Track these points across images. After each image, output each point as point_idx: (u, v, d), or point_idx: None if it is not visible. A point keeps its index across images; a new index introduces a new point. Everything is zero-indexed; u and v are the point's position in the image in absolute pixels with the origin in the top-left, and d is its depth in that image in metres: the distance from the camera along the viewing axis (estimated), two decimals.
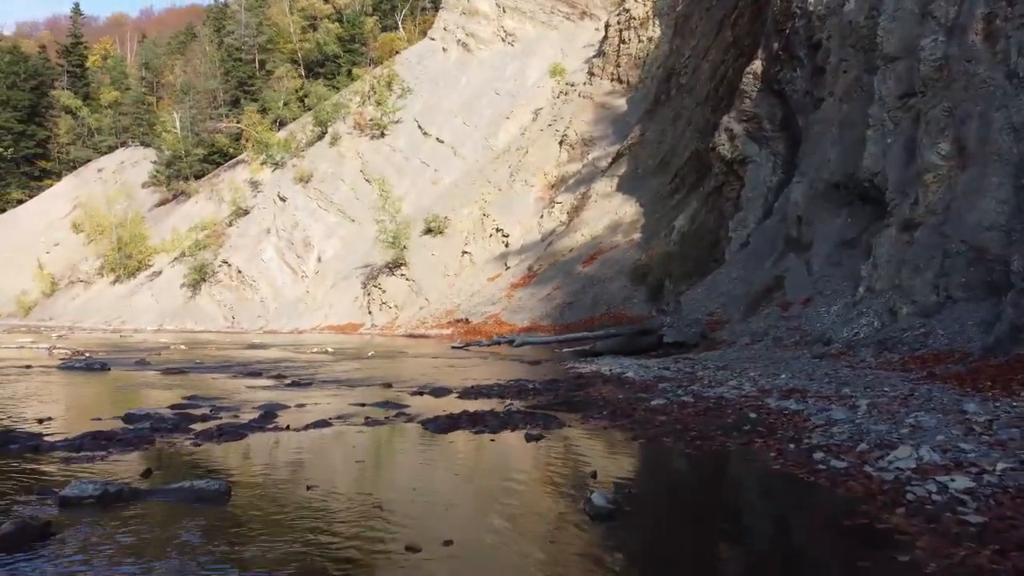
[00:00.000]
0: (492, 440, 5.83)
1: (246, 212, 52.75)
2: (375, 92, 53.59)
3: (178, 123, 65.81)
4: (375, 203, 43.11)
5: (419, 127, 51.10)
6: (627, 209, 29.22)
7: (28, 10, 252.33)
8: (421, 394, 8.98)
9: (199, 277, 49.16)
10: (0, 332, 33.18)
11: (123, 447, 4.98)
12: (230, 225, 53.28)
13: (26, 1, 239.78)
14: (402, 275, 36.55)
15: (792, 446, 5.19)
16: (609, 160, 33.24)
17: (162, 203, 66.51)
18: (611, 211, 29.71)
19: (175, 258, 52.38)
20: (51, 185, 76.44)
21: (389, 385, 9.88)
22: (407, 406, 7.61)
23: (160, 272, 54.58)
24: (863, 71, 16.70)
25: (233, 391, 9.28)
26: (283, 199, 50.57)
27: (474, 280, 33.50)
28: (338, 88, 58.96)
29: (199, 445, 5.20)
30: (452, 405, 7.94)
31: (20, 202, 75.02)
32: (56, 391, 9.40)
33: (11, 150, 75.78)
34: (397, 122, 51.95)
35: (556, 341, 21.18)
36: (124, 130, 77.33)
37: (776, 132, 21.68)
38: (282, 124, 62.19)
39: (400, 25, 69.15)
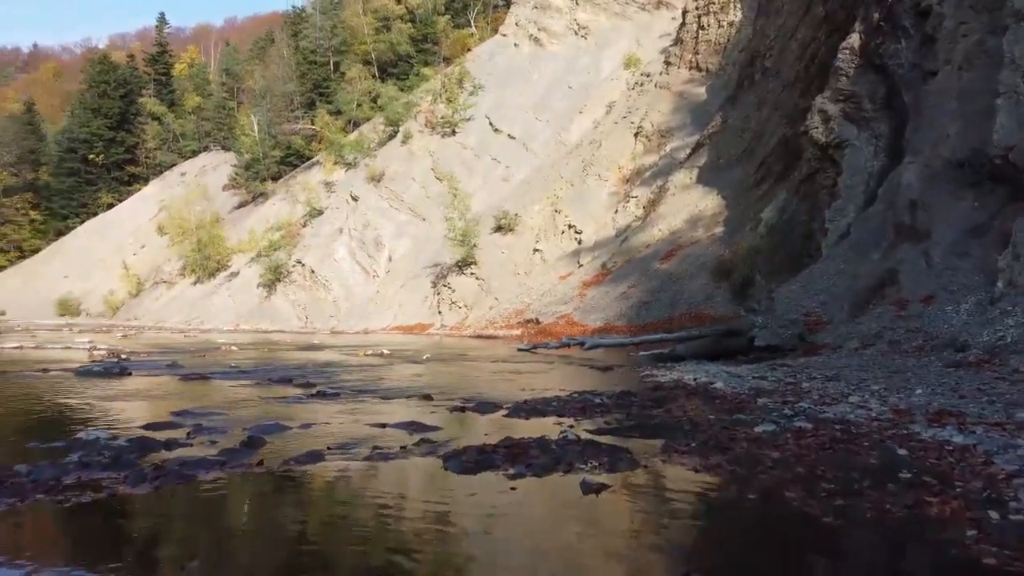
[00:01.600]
0: (530, 485, 4.27)
1: (320, 212, 52.54)
2: (446, 90, 52.57)
3: (256, 126, 66.37)
4: (445, 201, 42.06)
5: (490, 124, 49.82)
6: (708, 202, 27.13)
7: (120, 23, 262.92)
8: (462, 410, 7.40)
9: (274, 277, 49.10)
10: (76, 331, 33.34)
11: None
12: (304, 225, 53.16)
13: (118, 14, 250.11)
14: (472, 274, 35.25)
15: (995, 515, 3.40)
16: (688, 151, 31.16)
17: (241, 205, 67.29)
18: (690, 204, 27.67)
19: (251, 259, 52.53)
20: (139, 189, 78.48)
21: (429, 397, 8.35)
22: (437, 428, 6.01)
23: (237, 273, 54.90)
24: (987, 33, 14.43)
25: (239, 404, 7.92)
26: (355, 199, 50.05)
27: (545, 279, 31.91)
28: (409, 88, 58.27)
29: (113, 495, 3.73)
30: (495, 427, 6.36)
31: (111, 206, 77.25)
32: (28, 402, 8.26)
33: (102, 156, 78.12)
34: (468, 119, 50.81)
35: (631, 343, 19.39)
36: (206, 135, 78.80)
37: (877, 111, 19.37)
38: (355, 125, 61.96)
39: (472, 23, 68.17)
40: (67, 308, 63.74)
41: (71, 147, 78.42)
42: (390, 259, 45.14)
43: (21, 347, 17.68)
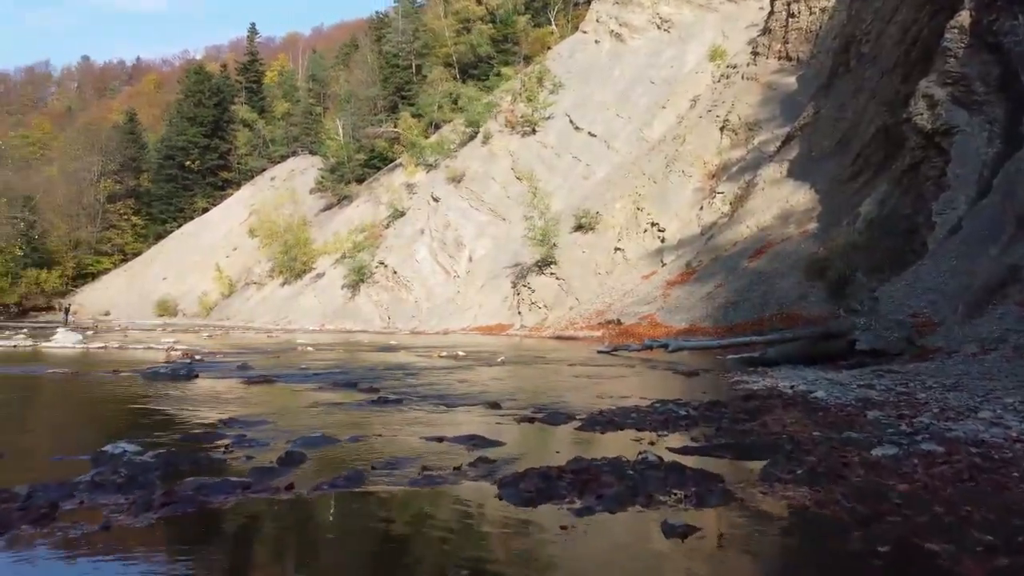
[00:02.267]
0: (599, 524, 3.51)
1: (402, 214, 52.89)
2: (525, 89, 52.08)
3: (340, 130, 67.48)
4: (525, 201, 41.59)
5: (570, 122, 49.04)
6: (799, 196, 25.65)
7: (215, 35, 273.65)
8: (531, 421, 6.70)
9: (358, 278, 49.67)
10: (168, 331, 34.30)
11: None
12: (387, 227, 53.64)
13: (214, 27, 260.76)
14: (552, 274, 34.57)
15: None
16: (777, 144, 29.64)
17: (327, 208, 68.57)
18: (780, 199, 26.23)
19: (336, 260, 53.28)
20: (231, 194, 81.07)
21: (497, 405, 7.68)
22: (499, 444, 5.40)
23: (323, 274, 55.84)
24: None
25: (294, 411, 7.46)
26: (436, 199, 50.11)
27: (626, 278, 30.94)
28: (489, 89, 58.08)
29: (107, 527, 3.20)
30: (565, 443, 5.65)
31: (205, 210, 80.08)
32: (81, 408, 8.02)
33: (197, 162, 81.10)
34: (548, 118, 50.19)
35: (718, 346, 18.36)
36: (294, 140, 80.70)
37: (991, 94, 17.76)
38: (436, 127, 62.24)
39: (552, 21, 67.52)
40: (165, 308, 66.21)
41: (169, 154, 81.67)
42: (470, 259, 44.92)
43: (106, 347, 18.01)
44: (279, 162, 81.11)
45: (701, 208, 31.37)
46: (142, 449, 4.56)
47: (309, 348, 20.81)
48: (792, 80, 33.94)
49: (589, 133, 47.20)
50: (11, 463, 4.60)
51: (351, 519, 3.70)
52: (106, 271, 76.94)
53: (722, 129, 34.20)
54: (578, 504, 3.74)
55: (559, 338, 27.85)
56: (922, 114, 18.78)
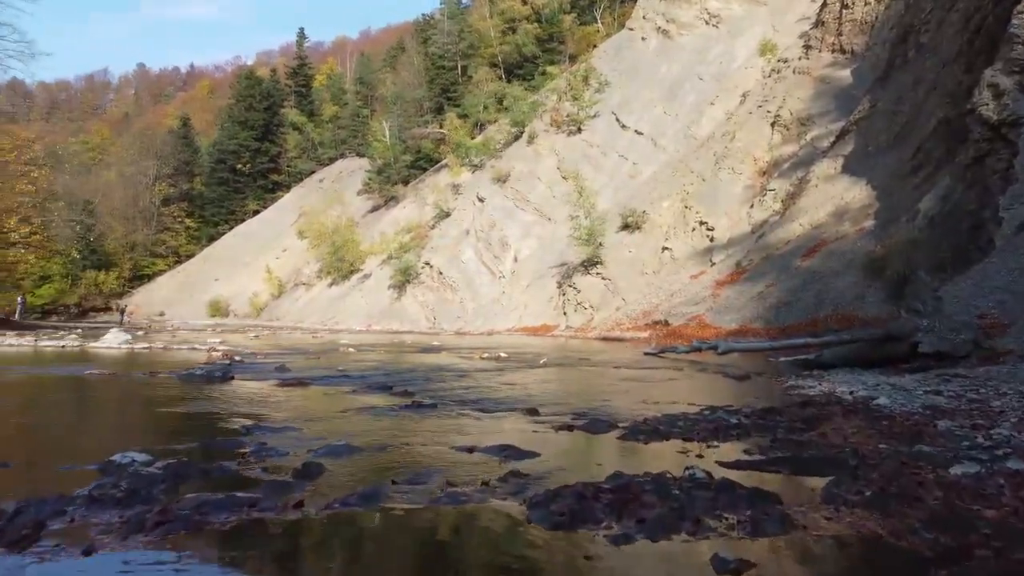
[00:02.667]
0: (639, 555, 3.05)
1: (447, 214, 52.84)
2: (571, 88, 51.55)
3: (387, 132, 67.82)
4: (571, 200, 41.14)
5: (616, 120, 48.36)
6: (855, 193, 24.68)
7: (265, 40, 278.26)
8: (570, 428, 6.23)
9: (404, 279, 49.74)
10: (218, 331, 34.66)
11: None
12: (432, 227, 53.64)
13: (263, 32, 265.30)
14: (597, 274, 34.01)
15: None
16: (831, 139, 28.63)
17: (374, 209, 68.99)
18: (835, 196, 25.28)
19: (382, 261, 53.46)
20: (281, 196, 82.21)
21: (535, 411, 7.25)
22: (534, 455, 4.95)
23: (369, 274, 56.11)
24: None
25: (321, 416, 7.12)
26: (481, 200, 49.91)
27: (674, 278, 30.22)
28: (535, 88, 57.72)
29: (90, 549, 2.84)
30: (605, 454, 5.17)
31: (255, 212, 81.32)
32: (107, 411, 7.82)
33: (248, 165, 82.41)
34: (594, 116, 49.59)
35: (771, 348, 17.63)
36: (342, 142, 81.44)
37: None
38: (481, 128, 62.09)
39: (598, 19, 66.84)
40: (217, 309, 67.37)
41: (221, 158, 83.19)
42: (515, 260, 44.59)
43: (151, 348, 18.09)
44: (327, 164, 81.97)
45: (751, 206, 30.49)
46: (152, 458, 4.27)
47: (351, 349, 20.70)
48: (846, 73, 32.81)
49: (636, 131, 46.47)
50: (15, 473, 4.34)
51: (354, 545, 3.30)
52: (160, 272, 78.62)
53: (773, 125, 33.22)
54: (616, 529, 3.29)
55: (605, 339, 27.31)
56: (987, 104, 17.81)
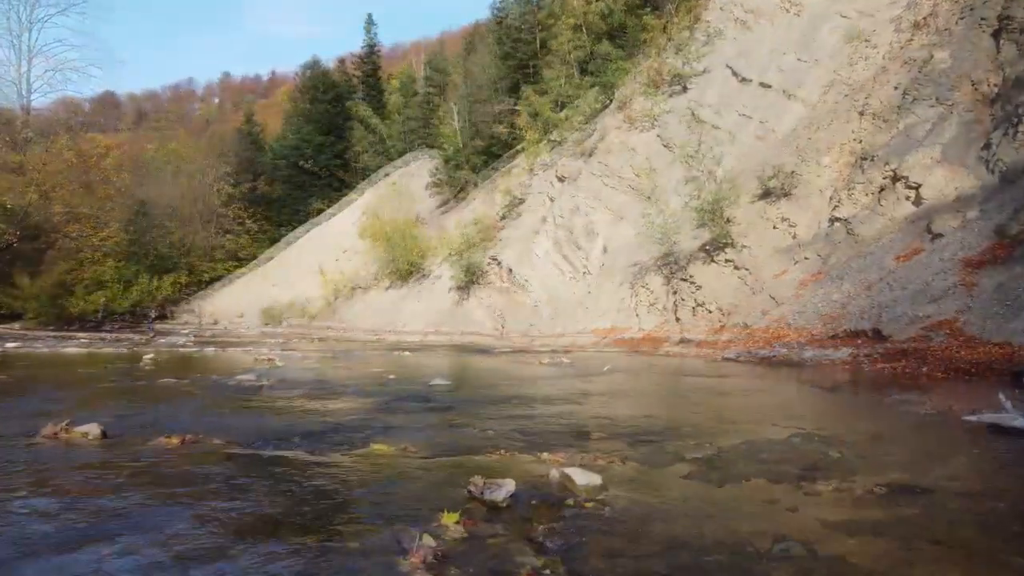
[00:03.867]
0: None
1: (521, 201, 42.45)
2: (672, 39, 40.32)
3: (455, 114, 58.06)
4: (677, 175, 30.10)
5: (734, 73, 36.80)
6: (965, 182, 12.69)
7: (346, 47, 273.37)
8: (623, 461, 3.95)
9: (468, 279, 39.67)
10: (270, 338, 25.36)
11: None
12: (502, 218, 43.32)
13: (345, 40, 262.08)
14: (727, 261, 22.83)
15: None
16: (928, 127, 16.63)
17: (442, 205, 59.48)
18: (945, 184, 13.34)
19: (443, 260, 43.44)
20: (348, 195, 73.73)
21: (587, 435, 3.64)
22: (572, 503, 3.29)
23: (430, 275, 46.30)
24: None
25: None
26: (561, 179, 39.28)
27: (859, 262, 18.71)
28: (628, 47, 46.58)
29: None
30: (663, 503, 1.64)
31: (320, 212, 73.05)
32: None
33: (312, 162, 74.35)
34: (703, 72, 38.15)
35: None
36: (411, 132, 72.36)
37: None
38: (562, 106, 51.25)
39: None
40: (271, 316, 59.24)
41: (283, 154, 75.42)
42: (604, 251, 33.65)
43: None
44: (395, 159, 72.96)
45: (987, 146, 18.61)
46: None
47: (406, 353, 10.95)
48: (944, 55, 20.96)
49: (761, 84, 34.83)
50: None
51: None
52: (220, 277, 71.21)
53: (997, 34, 21.13)
54: None
55: (765, 362, 16.06)
56: None
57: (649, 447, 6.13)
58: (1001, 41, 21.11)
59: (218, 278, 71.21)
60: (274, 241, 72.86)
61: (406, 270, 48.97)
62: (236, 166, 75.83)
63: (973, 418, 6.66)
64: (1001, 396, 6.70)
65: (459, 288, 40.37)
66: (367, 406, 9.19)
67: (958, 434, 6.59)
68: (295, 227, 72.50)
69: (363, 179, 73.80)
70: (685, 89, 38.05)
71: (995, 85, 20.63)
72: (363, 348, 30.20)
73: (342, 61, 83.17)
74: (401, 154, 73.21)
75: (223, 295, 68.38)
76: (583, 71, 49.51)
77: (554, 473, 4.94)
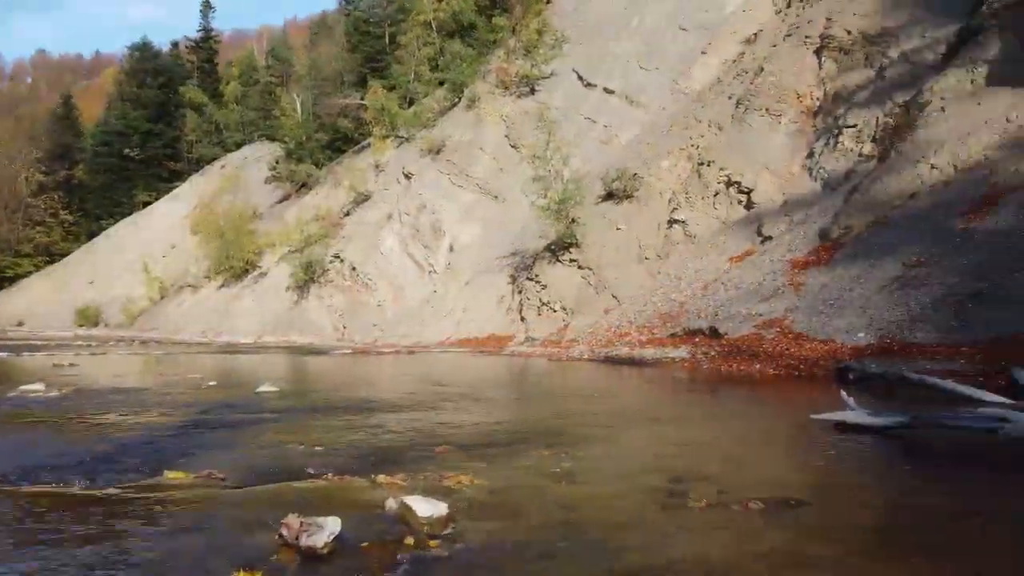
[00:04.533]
0: None
1: (366, 197, 40.91)
2: (521, 41, 40.43)
3: (299, 106, 55.39)
4: (524, 175, 29.98)
5: (579, 78, 37.37)
6: None
7: (178, 31, 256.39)
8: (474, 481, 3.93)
9: (308, 277, 37.62)
10: (76, 344, 22.28)
11: None
12: (347, 214, 41.59)
13: (184, 20, 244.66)
14: (572, 261, 22.78)
15: None
16: (943, 48, 18.13)
17: (283, 199, 56.31)
18: (993, 120, 14.62)
19: (281, 256, 41.11)
20: (178, 187, 68.54)
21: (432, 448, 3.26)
22: (413, 542, 3.18)
23: (266, 273, 43.67)
24: None
25: None
26: (408, 176, 38.21)
27: (698, 264, 19.18)
28: (478, 47, 46.24)
29: None
30: (534, 543, 2.70)
31: (146, 204, 67.33)
32: None
33: (138, 151, 68.49)
34: (550, 75, 38.48)
35: None
36: (250, 124, 68.41)
37: None
38: (411, 102, 50.15)
39: None
40: (87, 317, 53.88)
41: (106, 140, 68.97)
42: (451, 249, 33.00)
43: None
44: (233, 150, 68.68)
45: (811, 155, 19.71)
46: None
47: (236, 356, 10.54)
48: (774, 68, 22.86)
49: (605, 89, 35.59)
50: None
51: None
52: (28, 274, 64.03)
53: (819, 51, 22.55)
54: None
55: (609, 360, 15.95)
56: None
57: (502, 461, 5.46)
58: (823, 58, 22.50)
59: (26, 275, 64.05)
60: (93, 235, 66.31)
61: (241, 268, 45.88)
62: (50, 152, 68.58)
63: (821, 416, 6.52)
64: (843, 394, 6.64)
65: (298, 287, 38.26)
66: (174, 420, 7.87)
67: (812, 434, 6.41)
68: (117, 220, 66.33)
69: (197, 170, 68.92)
70: (533, 91, 38.19)
71: (818, 99, 21.92)
72: (188, 351, 27.80)
73: (176, 45, 77.20)
74: (239, 145, 68.97)
75: (29, 294, 61.51)
76: (433, 68, 48.67)
77: (391, 503, 3.94)
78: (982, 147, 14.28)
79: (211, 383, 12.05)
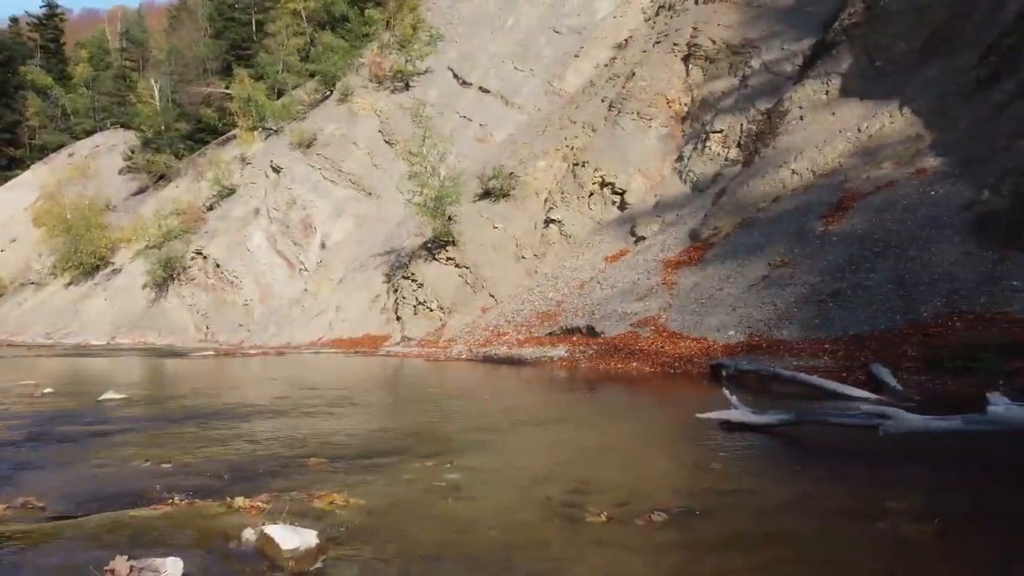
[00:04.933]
0: None
1: (232, 191, 38.79)
2: (395, 36, 39.59)
3: (157, 92, 51.84)
4: (399, 171, 29.30)
5: (455, 76, 37.02)
6: (880, 123, 15.00)
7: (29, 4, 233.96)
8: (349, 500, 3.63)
9: (166, 275, 35.24)
10: None
11: None
12: (210, 208, 39.27)
13: None
14: (449, 259, 22.38)
15: None
16: (799, 61, 19.12)
17: (141, 191, 52.52)
18: (845, 129, 15.50)
19: (137, 252, 38.27)
20: (19, 175, 62.53)
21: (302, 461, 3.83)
22: None
23: (120, 270, 40.59)
24: None
25: None
26: (277, 170, 36.52)
27: (573, 263, 19.29)
28: (351, 38, 44.88)
29: None
30: None
31: None
32: None
33: None
34: (425, 72, 37.89)
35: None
36: (102, 110, 63.54)
37: None
38: (280, 93, 48.06)
39: None
40: None
41: None
42: (323, 246, 31.80)
43: None
44: (82, 138, 63.51)
45: (680, 158, 20.27)
46: None
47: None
48: (644, 73, 23.80)
49: (481, 88, 35.41)
50: None
51: None
52: None
53: (687, 59, 23.29)
54: None
55: (488, 360, 15.67)
56: None
57: (381, 474, 4.96)
58: (690, 66, 23.24)
59: None
60: None
61: (91, 264, 42.40)
62: None
63: (707, 416, 6.47)
64: (726, 392, 6.64)
65: (156, 285, 35.78)
66: None
67: (700, 434, 6.33)
68: None
69: (41, 158, 63.23)
70: (408, 86, 37.46)
71: (686, 104, 22.62)
72: (27, 354, 25.23)
73: (15, 20, 70.37)
74: (90, 133, 63.87)
75: None
76: (304, 59, 46.83)
77: (249, 534, 3.31)
78: (837, 154, 15.10)
79: (47, 391, 10.81)
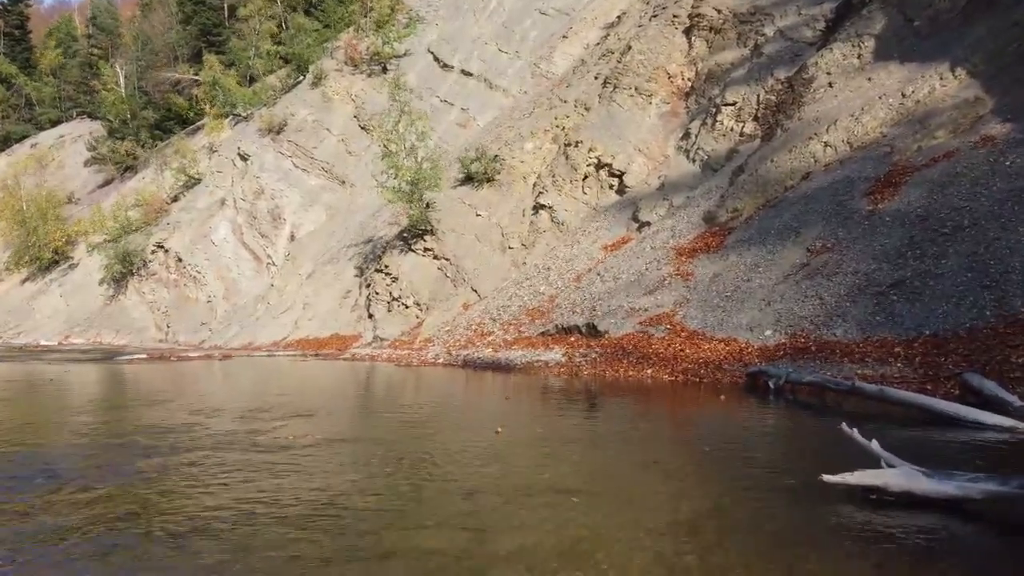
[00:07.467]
0: None
1: (197, 181, 36.01)
2: (373, 17, 36.96)
3: (122, 80, 48.81)
4: (375, 157, 26.75)
5: (435, 58, 34.47)
6: (931, 85, 12.69)
7: None
8: None
9: (124, 269, 32.42)
10: None
11: None
12: (174, 200, 36.45)
13: None
14: (427, 251, 19.87)
15: None
16: (820, 25, 16.81)
17: (106, 183, 49.44)
18: (887, 95, 13.18)
19: (93, 246, 35.38)
20: None
21: None
22: None
23: (77, 265, 37.70)
24: None
25: None
26: (244, 158, 33.78)
27: (569, 253, 16.85)
28: (325, 18, 42.19)
29: None
30: None
31: None
32: None
33: None
34: (404, 55, 35.30)
35: None
36: (68, 99, 60.27)
37: None
38: (252, 81, 45.22)
39: None
40: None
41: None
42: (292, 239, 29.17)
43: None
44: (47, 128, 60.24)
45: (686, 136, 17.89)
46: None
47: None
48: (642, 47, 21.46)
49: (463, 71, 32.89)
50: None
51: None
52: None
53: (689, 31, 20.92)
54: None
55: (469, 365, 13.16)
56: None
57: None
58: (693, 38, 20.87)
59: None
60: None
61: (49, 259, 39.49)
62: None
63: (838, 480, 3.94)
64: (855, 433, 4.19)
65: (114, 280, 32.94)
66: None
67: (835, 517, 3.82)
68: None
69: (3, 149, 59.88)
70: (385, 70, 34.85)
71: (689, 79, 20.25)
72: None
73: None
74: (54, 123, 60.62)
75: None
76: (276, 43, 44.01)
77: None
78: (878, 123, 12.77)
79: None
